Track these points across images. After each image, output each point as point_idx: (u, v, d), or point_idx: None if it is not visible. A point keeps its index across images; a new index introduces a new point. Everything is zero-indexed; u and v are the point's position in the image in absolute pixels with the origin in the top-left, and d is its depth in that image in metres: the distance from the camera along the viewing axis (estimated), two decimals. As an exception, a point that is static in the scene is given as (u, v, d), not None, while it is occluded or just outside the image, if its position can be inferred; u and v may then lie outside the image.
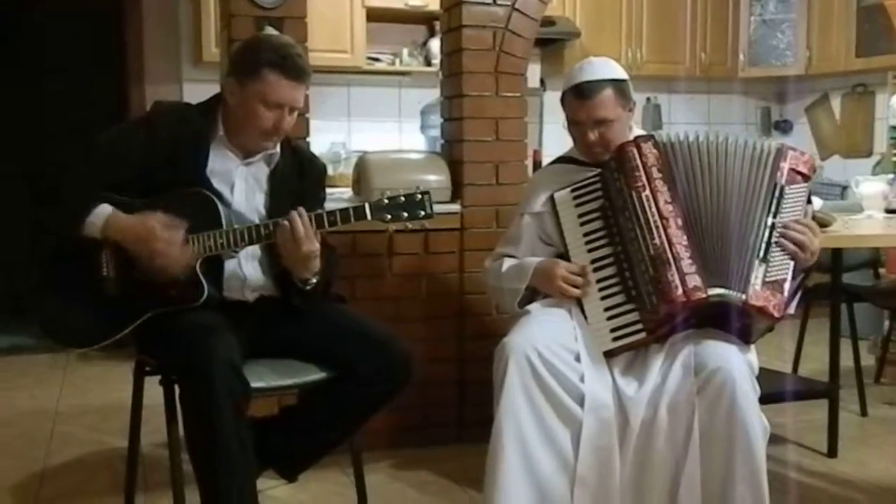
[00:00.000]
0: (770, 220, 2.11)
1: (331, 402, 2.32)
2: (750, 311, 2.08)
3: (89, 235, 2.14)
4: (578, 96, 2.29)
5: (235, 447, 2.00)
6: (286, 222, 2.14)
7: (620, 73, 2.36)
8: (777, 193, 2.13)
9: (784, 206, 2.13)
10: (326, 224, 2.19)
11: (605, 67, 2.35)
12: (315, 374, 2.28)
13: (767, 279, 2.07)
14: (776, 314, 2.06)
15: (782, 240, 2.10)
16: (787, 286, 2.09)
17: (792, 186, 2.14)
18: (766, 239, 2.09)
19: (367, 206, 2.21)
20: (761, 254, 2.08)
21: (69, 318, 2.24)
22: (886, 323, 4.09)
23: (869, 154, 5.64)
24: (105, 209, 2.14)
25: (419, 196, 2.23)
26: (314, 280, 2.25)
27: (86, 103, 5.88)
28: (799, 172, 2.16)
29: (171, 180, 2.19)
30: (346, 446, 2.48)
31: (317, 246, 2.17)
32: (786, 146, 2.19)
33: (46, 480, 2.92)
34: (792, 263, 2.10)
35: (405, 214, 2.22)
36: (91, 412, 3.66)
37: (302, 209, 2.15)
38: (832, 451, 3.10)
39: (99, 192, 2.17)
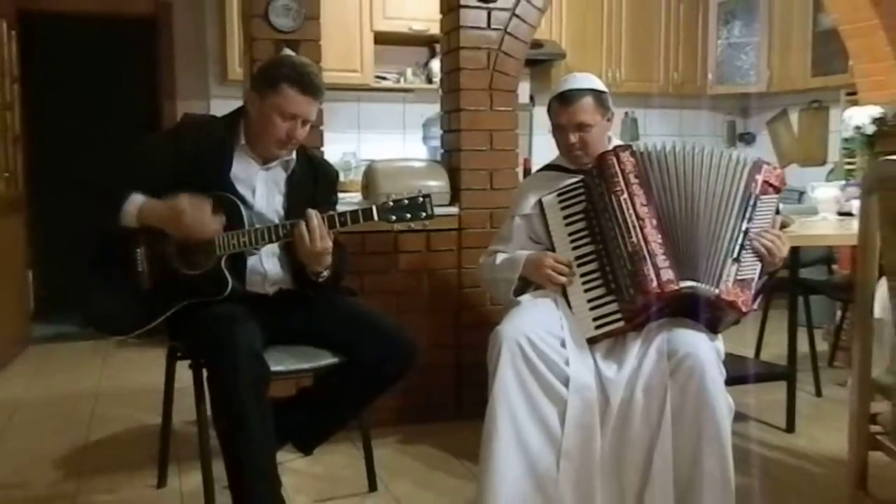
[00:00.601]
0: (744, 225, 2.10)
1: (342, 384, 2.32)
2: (721, 305, 2.08)
3: (126, 224, 2.14)
4: (562, 102, 2.32)
5: (257, 424, 2.00)
6: (303, 222, 2.14)
7: (600, 85, 2.37)
8: (752, 202, 2.12)
9: (757, 213, 2.12)
10: (338, 224, 2.19)
11: (586, 80, 2.38)
12: (328, 359, 2.28)
13: (738, 277, 2.07)
14: (744, 309, 2.06)
15: (754, 244, 2.10)
16: (754, 285, 2.09)
17: (764, 197, 2.14)
18: (739, 242, 2.09)
19: (374, 208, 2.21)
20: (735, 254, 2.08)
21: (108, 309, 2.25)
22: (838, 313, 4.09)
23: (823, 163, 5.65)
24: (138, 198, 2.15)
25: (421, 199, 2.23)
26: (325, 274, 2.25)
27: (123, 116, 5.90)
28: (771, 185, 2.16)
29: (198, 184, 2.18)
30: (357, 423, 2.49)
31: (329, 244, 2.17)
32: (762, 160, 2.18)
33: (88, 454, 2.92)
34: (760, 265, 2.11)
35: (408, 216, 2.22)
36: (128, 393, 3.66)
37: (316, 211, 2.15)
38: (790, 428, 3.11)
39: (134, 191, 2.17)
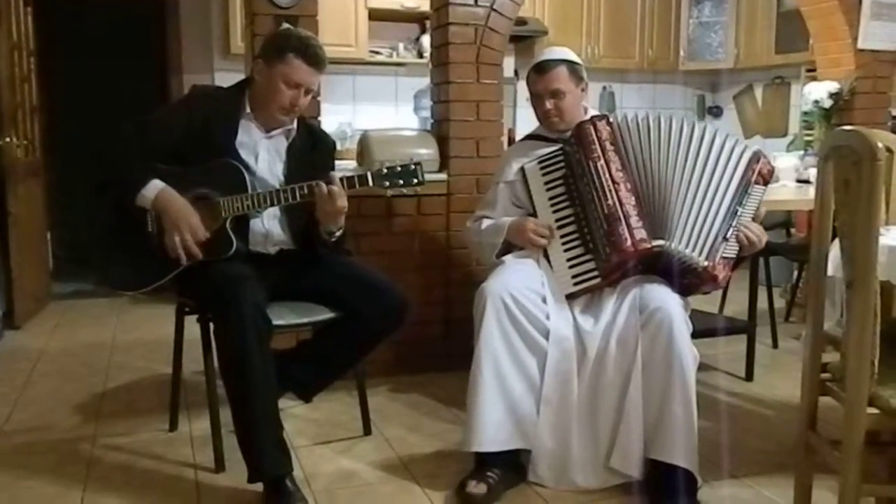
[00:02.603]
0: (738, 209, 2.10)
1: (339, 337, 2.33)
2: (705, 276, 2.09)
3: (141, 205, 2.13)
4: (537, 71, 2.33)
5: (261, 373, 2.00)
6: (323, 184, 2.13)
7: (574, 57, 2.36)
8: (747, 189, 2.12)
9: (749, 200, 2.13)
10: (346, 187, 2.17)
11: (561, 52, 2.37)
12: (326, 314, 2.28)
13: (724, 255, 2.09)
14: (722, 284, 2.11)
15: (741, 232, 2.10)
16: (731, 263, 2.12)
17: (756, 186, 2.14)
18: (731, 223, 2.09)
19: (369, 174, 2.20)
20: (725, 234, 2.09)
21: (122, 268, 2.23)
22: (795, 273, 4.12)
23: (784, 134, 5.64)
24: (157, 184, 2.12)
25: (412, 166, 2.22)
26: (339, 233, 2.24)
27: (133, 88, 5.83)
28: (762, 176, 2.15)
29: (206, 150, 2.17)
30: (352, 373, 2.50)
31: (346, 204, 2.16)
32: (761, 152, 2.17)
33: (105, 400, 2.93)
34: (739, 247, 2.12)
35: (401, 182, 2.21)
36: (141, 345, 3.66)
37: (334, 174, 2.14)
38: (749, 376, 3.14)
39: (150, 163, 2.15)
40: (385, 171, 2.20)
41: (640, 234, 2.05)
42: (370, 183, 2.19)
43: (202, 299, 2.19)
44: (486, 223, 2.40)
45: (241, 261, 2.18)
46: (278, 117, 2.25)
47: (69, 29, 5.78)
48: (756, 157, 2.15)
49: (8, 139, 3.92)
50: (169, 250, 2.12)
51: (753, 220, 2.15)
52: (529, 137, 2.53)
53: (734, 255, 2.12)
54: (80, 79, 5.95)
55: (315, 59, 2.19)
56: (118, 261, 2.23)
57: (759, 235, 2.14)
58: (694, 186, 2.09)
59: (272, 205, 2.19)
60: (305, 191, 2.16)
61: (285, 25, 2.75)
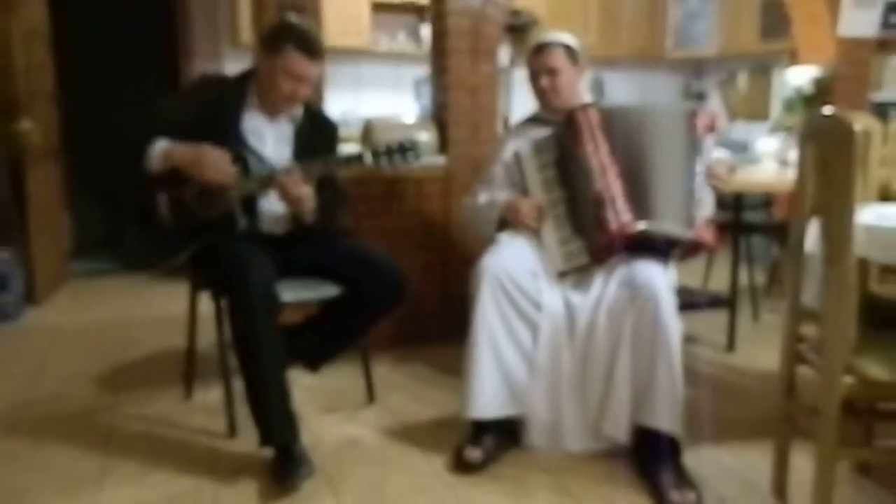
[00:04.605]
0: (698, 168, 2.10)
1: (344, 312, 2.33)
2: (695, 245, 2.09)
3: (153, 168, 2.10)
4: (535, 51, 2.34)
5: (270, 346, 2.00)
6: (281, 173, 2.11)
7: (570, 40, 2.36)
8: (698, 147, 2.11)
9: (703, 153, 2.12)
10: (335, 166, 2.17)
11: (559, 35, 2.37)
12: (332, 291, 2.28)
13: (703, 216, 2.09)
14: (712, 244, 2.10)
15: (710, 180, 2.11)
16: (711, 220, 2.11)
17: (705, 138, 2.14)
18: (699, 185, 2.09)
19: (367, 152, 2.19)
20: (698, 196, 2.08)
21: (139, 249, 2.23)
22: (775, 251, 4.12)
23: (766, 119, 5.61)
24: (162, 143, 2.11)
25: (407, 144, 2.20)
26: (309, 219, 2.22)
27: (145, 75, 5.79)
28: (707, 127, 2.15)
29: (214, 136, 2.15)
30: (357, 346, 2.50)
31: (304, 191, 2.13)
32: (696, 107, 2.17)
33: (123, 372, 2.94)
34: (713, 199, 2.12)
35: (397, 158, 2.19)
36: (156, 321, 3.66)
37: (294, 163, 2.12)
38: (731, 348, 3.16)
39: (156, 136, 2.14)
40: (382, 149, 2.19)
41: (626, 216, 2.05)
42: (369, 160, 2.17)
43: (215, 277, 2.18)
44: (482, 199, 2.39)
45: (251, 240, 2.17)
46: (282, 106, 2.23)
47: (83, 18, 5.73)
48: (692, 113, 2.14)
49: (25, 124, 3.90)
50: (212, 184, 2.08)
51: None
52: (527, 121, 2.51)
53: (710, 212, 2.11)
54: (94, 66, 5.91)
55: (312, 49, 2.16)
56: (136, 243, 2.22)
57: (723, 172, 2.14)
58: (666, 163, 2.09)
59: (263, 188, 2.16)
60: (266, 180, 2.14)
61: (288, 15, 2.72)
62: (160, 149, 2.10)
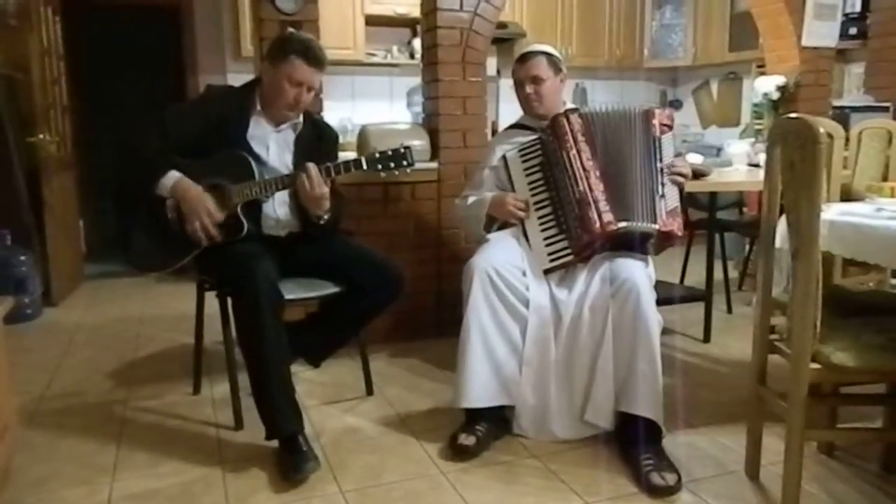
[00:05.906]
0: (659, 166, 2.09)
1: (343, 309, 2.32)
2: (662, 236, 2.09)
3: (159, 194, 2.12)
4: (520, 61, 2.35)
5: (274, 342, 2.00)
6: (303, 173, 2.11)
7: (552, 50, 2.37)
8: (657, 144, 2.10)
9: (663, 151, 2.10)
10: (334, 173, 2.15)
11: (542, 46, 2.38)
12: (331, 289, 2.28)
13: (668, 209, 2.08)
14: (679, 234, 2.08)
15: (672, 176, 2.10)
16: (678, 209, 2.10)
17: (663, 137, 2.12)
18: (660, 180, 2.08)
19: (363, 159, 2.18)
20: (660, 192, 2.07)
21: (146, 251, 2.21)
22: (747, 247, 4.14)
23: (737, 124, 5.64)
24: (174, 175, 2.11)
25: (402, 150, 2.19)
26: (326, 217, 2.23)
27: (153, 88, 5.76)
28: (665, 125, 2.13)
29: (221, 144, 2.15)
30: (355, 341, 2.50)
31: (326, 190, 2.13)
32: (652, 107, 2.14)
33: (135, 368, 2.93)
34: (678, 191, 2.12)
35: (392, 164, 2.18)
36: (166, 319, 3.65)
37: (313, 163, 2.12)
38: (706, 339, 3.16)
39: (169, 157, 2.13)
40: (378, 155, 2.18)
41: (608, 216, 2.05)
42: (365, 167, 2.16)
43: (221, 277, 2.18)
44: (470, 199, 2.40)
45: (255, 242, 2.17)
46: (285, 113, 2.23)
47: (95, 35, 5.70)
48: (649, 113, 2.12)
49: (41, 136, 3.88)
50: (190, 234, 2.11)
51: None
52: (513, 127, 2.51)
53: (677, 203, 2.10)
54: (105, 80, 5.89)
55: (315, 59, 2.16)
56: (143, 245, 2.21)
57: (686, 168, 2.14)
58: (632, 163, 2.09)
59: (266, 193, 2.16)
60: (287, 181, 2.15)
61: (289, 30, 2.72)
62: (171, 180, 2.11)
